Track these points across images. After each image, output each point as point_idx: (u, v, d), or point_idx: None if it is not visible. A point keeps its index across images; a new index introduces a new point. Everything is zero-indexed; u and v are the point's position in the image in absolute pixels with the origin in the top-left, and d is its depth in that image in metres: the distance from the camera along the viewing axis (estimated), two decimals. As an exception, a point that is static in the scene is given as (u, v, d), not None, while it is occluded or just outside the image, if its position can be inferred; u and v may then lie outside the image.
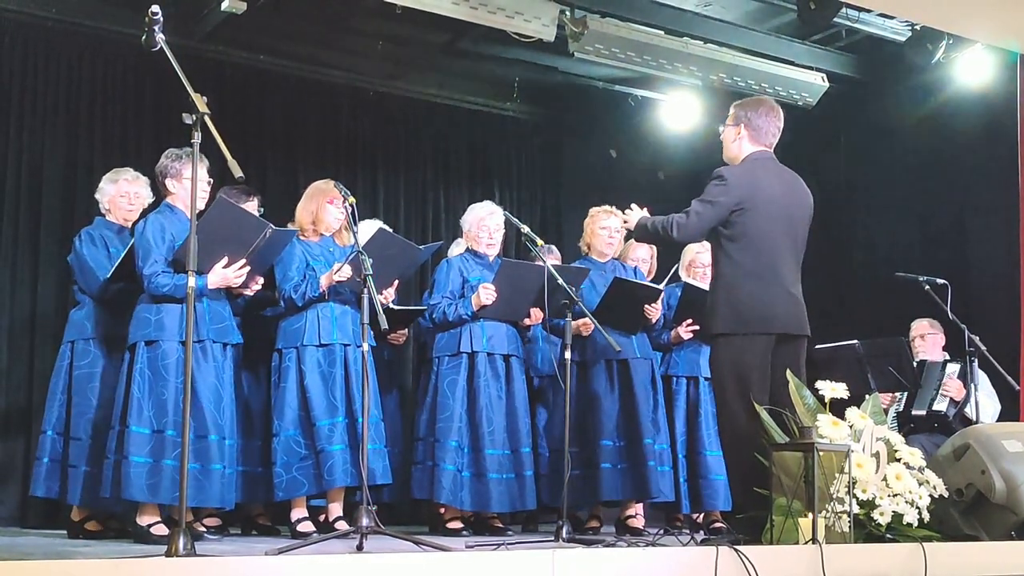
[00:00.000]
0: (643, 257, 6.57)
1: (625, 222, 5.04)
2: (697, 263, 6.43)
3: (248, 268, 5.04)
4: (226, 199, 5.03)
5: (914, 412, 6.57)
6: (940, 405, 6.57)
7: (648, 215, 4.93)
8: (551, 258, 6.31)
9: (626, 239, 6.36)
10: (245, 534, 5.86)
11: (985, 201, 7.68)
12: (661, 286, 6.17)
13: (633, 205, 5.03)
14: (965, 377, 6.51)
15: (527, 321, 5.94)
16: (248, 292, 5.26)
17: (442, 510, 5.90)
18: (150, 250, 4.95)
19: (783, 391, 4.61)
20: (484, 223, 6.05)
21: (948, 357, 6.70)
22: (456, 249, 6.49)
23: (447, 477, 5.68)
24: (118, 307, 5.26)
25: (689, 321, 6.20)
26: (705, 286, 6.21)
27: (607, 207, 6.33)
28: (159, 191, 5.30)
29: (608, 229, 6.26)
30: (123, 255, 5.17)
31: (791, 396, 4.55)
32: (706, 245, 6.26)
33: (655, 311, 6.09)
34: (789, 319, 4.67)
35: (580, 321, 5.86)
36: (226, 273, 4.98)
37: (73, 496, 5.21)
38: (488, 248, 6.08)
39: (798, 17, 7.34)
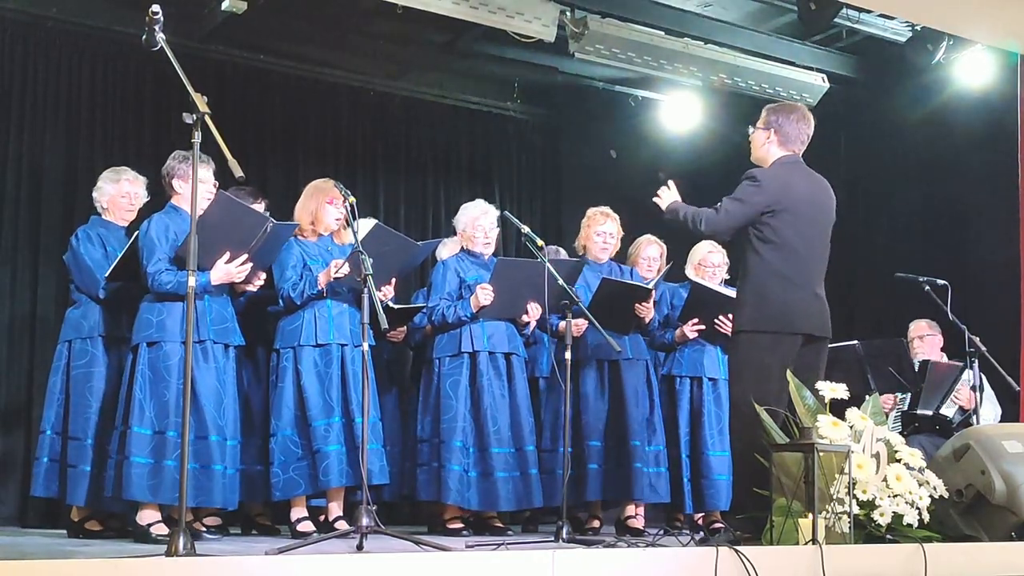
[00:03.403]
0: (652, 256, 6.54)
1: (658, 196, 5.05)
2: (707, 263, 6.41)
3: (250, 264, 5.05)
4: (227, 194, 5.03)
5: (919, 411, 6.55)
6: (948, 410, 6.56)
7: (680, 200, 4.96)
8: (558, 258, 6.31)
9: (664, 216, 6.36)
10: (245, 534, 5.86)
11: (985, 202, 7.68)
12: (651, 285, 6.15)
13: (670, 182, 5.05)
14: (976, 389, 6.48)
15: (525, 318, 5.93)
16: (251, 288, 5.26)
17: (442, 510, 5.90)
18: (154, 249, 4.97)
19: None
20: (479, 223, 6.04)
21: (963, 363, 6.64)
22: (445, 250, 6.47)
23: (453, 478, 5.67)
24: (116, 306, 5.27)
25: (695, 320, 6.19)
26: (714, 286, 6.23)
27: (604, 209, 6.32)
28: (163, 192, 5.31)
29: (604, 235, 6.26)
30: (122, 254, 5.17)
31: (791, 396, 4.55)
32: (716, 245, 6.30)
33: (647, 310, 6.08)
34: (814, 320, 4.74)
35: (573, 321, 5.85)
36: (228, 268, 4.99)
37: (76, 496, 5.20)
38: (484, 247, 6.07)
39: (798, 18, 7.35)
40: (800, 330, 4.69)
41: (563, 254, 6.71)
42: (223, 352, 5.11)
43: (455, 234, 6.31)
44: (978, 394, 6.39)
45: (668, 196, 5.02)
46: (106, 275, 5.22)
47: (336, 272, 5.30)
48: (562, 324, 5.61)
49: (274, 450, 5.33)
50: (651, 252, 6.56)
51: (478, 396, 5.78)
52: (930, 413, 6.55)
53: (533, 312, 5.86)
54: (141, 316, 5.02)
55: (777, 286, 4.68)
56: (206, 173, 5.05)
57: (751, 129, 4.99)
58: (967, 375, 6.54)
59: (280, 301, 5.45)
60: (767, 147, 4.91)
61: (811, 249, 4.78)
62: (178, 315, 4.94)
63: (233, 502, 5.16)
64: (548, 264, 5.47)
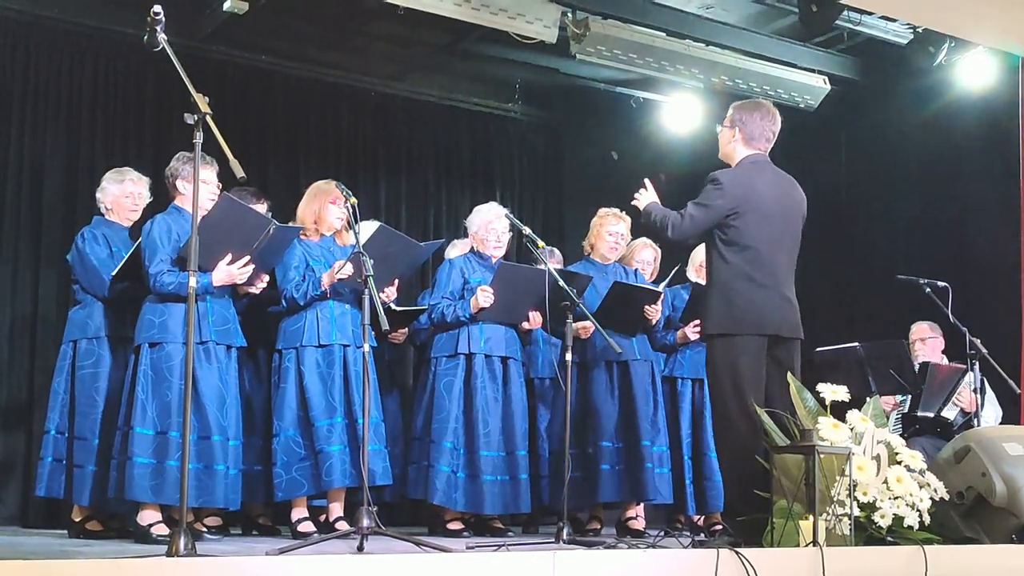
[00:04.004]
0: (647, 259, 6.57)
1: (636, 198, 5.06)
2: None
3: (252, 265, 5.05)
4: (229, 196, 5.04)
5: (920, 413, 6.55)
6: (950, 413, 6.55)
7: (657, 202, 4.96)
8: (552, 261, 6.31)
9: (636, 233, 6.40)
10: (246, 534, 5.87)
11: (986, 204, 7.68)
12: (660, 288, 6.17)
13: (647, 182, 5.06)
14: (977, 392, 6.47)
15: (526, 325, 5.94)
16: (254, 290, 5.26)
17: (443, 511, 5.90)
18: (156, 249, 4.98)
19: (777, 393, 4.63)
20: (492, 226, 6.05)
21: (965, 366, 6.64)
22: (453, 251, 6.48)
23: (441, 478, 5.68)
24: (122, 306, 5.27)
25: (696, 322, 6.19)
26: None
27: (616, 210, 6.31)
28: (165, 192, 5.32)
29: (615, 235, 6.27)
30: (129, 255, 5.18)
31: (792, 398, 4.56)
32: None
33: (655, 313, 6.09)
34: (782, 321, 4.68)
35: (580, 324, 5.86)
36: (230, 270, 4.99)
37: (81, 496, 5.21)
38: (495, 250, 6.08)
39: (800, 19, 7.35)
40: (767, 331, 4.64)
41: (557, 254, 6.71)
42: (225, 353, 5.12)
43: (464, 235, 6.32)
44: (979, 396, 6.39)
45: (646, 197, 5.01)
46: (112, 275, 5.23)
47: (339, 273, 5.30)
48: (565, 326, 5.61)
49: (277, 450, 5.34)
50: (646, 255, 6.58)
51: (471, 398, 5.79)
52: (931, 415, 6.55)
53: (534, 320, 5.86)
54: (143, 317, 5.02)
55: (743, 288, 4.64)
56: (209, 174, 5.06)
57: (719, 128, 4.98)
58: (968, 378, 6.54)
59: (283, 301, 5.45)
60: (733, 145, 4.88)
61: (777, 250, 4.72)
62: (180, 316, 4.94)
63: (236, 502, 5.17)
64: (551, 268, 5.47)
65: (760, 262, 4.66)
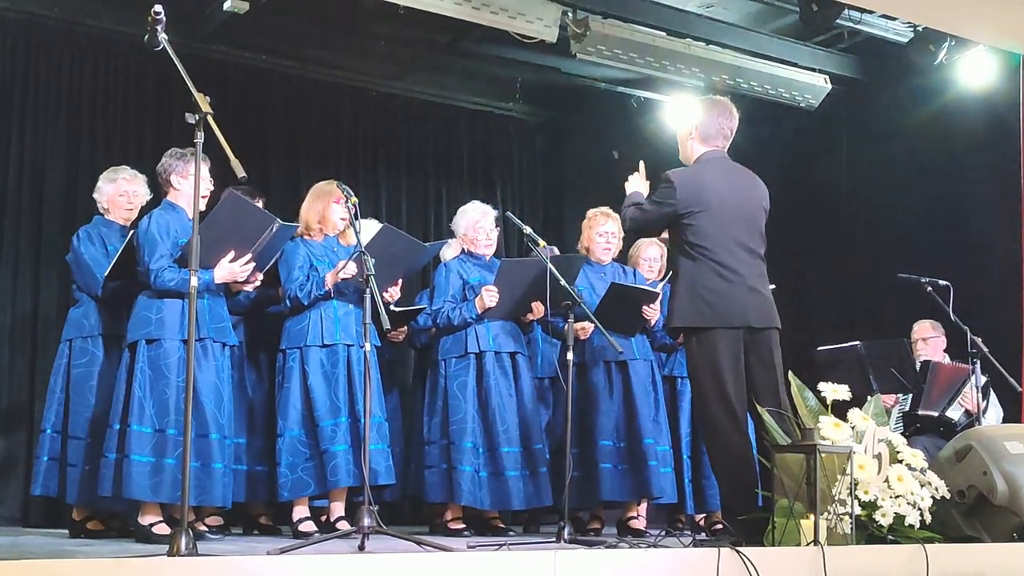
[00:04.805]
0: (653, 256, 6.54)
1: (627, 180, 5.12)
2: None
3: (253, 263, 5.04)
4: (236, 193, 5.03)
5: (922, 412, 6.54)
6: (954, 413, 6.55)
7: (641, 193, 5.00)
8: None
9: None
10: (247, 534, 5.86)
11: (987, 202, 7.67)
12: (659, 288, 6.16)
13: (641, 165, 5.11)
14: (980, 392, 6.46)
15: (529, 316, 5.93)
16: (248, 288, 5.25)
17: (444, 510, 5.90)
18: (156, 245, 4.95)
19: (764, 388, 4.63)
20: (480, 225, 6.05)
21: (971, 367, 6.62)
22: (448, 252, 6.47)
23: (465, 479, 5.67)
24: (116, 305, 5.26)
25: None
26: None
27: (604, 209, 6.31)
28: (159, 190, 5.31)
29: (605, 235, 6.26)
30: (120, 252, 5.15)
31: (793, 397, 4.56)
32: None
33: (654, 312, 6.08)
34: (751, 313, 4.67)
35: (579, 324, 5.85)
36: (233, 267, 4.98)
37: (71, 495, 5.21)
38: (486, 249, 6.07)
39: (800, 19, 7.35)
40: (737, 324, 4.63)
41: (555, 252, 6.70)
42: (220, 350, 5.10)
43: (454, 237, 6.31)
44: (978, 395, 6.38)
45: (634, 183, 5.06)
46: (105, 274, 5.22)
47: (342, 272, 5.30)
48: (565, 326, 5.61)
49: (281, 450, 5.33)
50: (651, 253, 6.57)
51: (486, 396, 5.79)
52: (934, 414, 6.54)
53: (537, 311, 5.86)
54: (138, 313, 4.99)
55: (709, 282, 4.64)
56: (204, 170, 5.04)
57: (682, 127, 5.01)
58: (973, 379, 6.53)
59: (287, 301, 5.45)
60: (690, 144, 4.90)
61: (739, 245, 4.71)
62: (176, 312, 4.92)
63: (229, 501, 5.14)
64: (550, 265, 5.47)
65: (723, 258, 4.67)
